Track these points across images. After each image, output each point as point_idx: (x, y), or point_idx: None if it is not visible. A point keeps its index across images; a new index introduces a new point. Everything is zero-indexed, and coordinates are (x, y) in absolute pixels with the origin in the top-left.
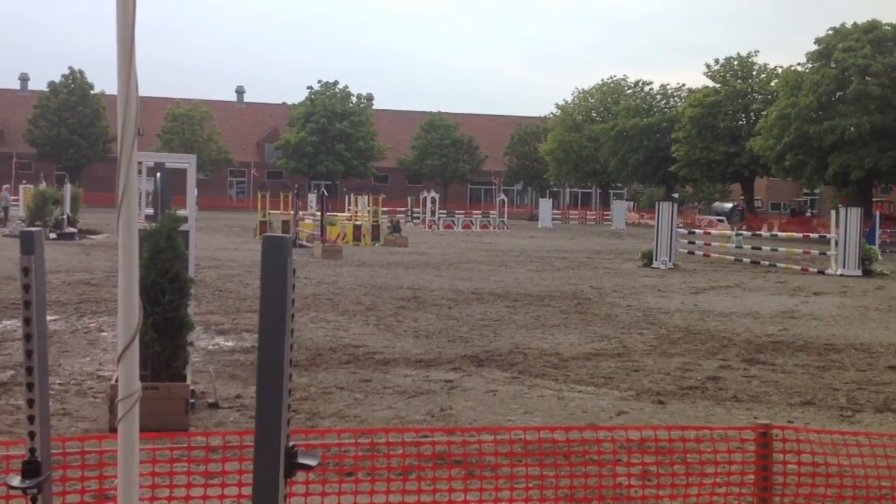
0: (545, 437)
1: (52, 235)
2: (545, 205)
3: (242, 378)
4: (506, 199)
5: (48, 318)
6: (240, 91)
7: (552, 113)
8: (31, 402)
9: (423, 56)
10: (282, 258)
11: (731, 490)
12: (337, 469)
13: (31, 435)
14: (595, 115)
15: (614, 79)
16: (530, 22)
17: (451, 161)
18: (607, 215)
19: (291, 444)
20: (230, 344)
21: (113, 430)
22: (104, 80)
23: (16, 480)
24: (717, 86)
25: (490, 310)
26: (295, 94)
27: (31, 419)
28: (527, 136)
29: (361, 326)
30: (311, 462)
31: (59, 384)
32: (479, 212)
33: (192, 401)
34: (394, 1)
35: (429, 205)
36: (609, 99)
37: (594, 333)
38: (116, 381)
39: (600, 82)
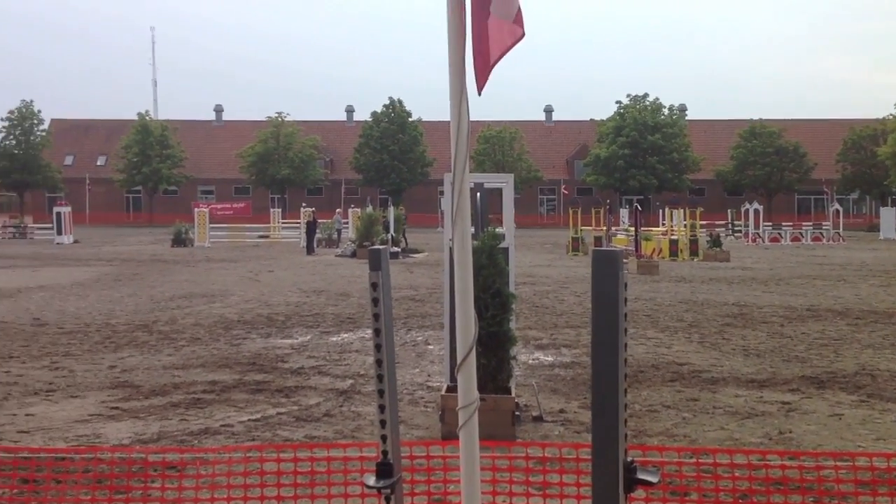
0: None
1: None
2: (887, 214)
3: (564, 392)
4: (840, 209)
5: (367, 332)
6: (548, 110)
7: (892, 114)
8: (382, 408)
9: (736, 64)
10: (613, 272)
11: None
12: (666, 488)
13: (384, 438)
14: None
15: None
16: (866, 20)
17: (776, 170)
18: None
19: (630, 459)
20: (549, 359)
21: (445, 437)
22: (421, 108)
23: (371, 480)
24: None
25: (829, 328)
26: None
27: (382, 423)
28: (862, 141)
29: (684, 343)
30: (652, 479)
31: None
32: (810, 223)
33: (517, 413)
34: (697, 11)
35: (751, 217)
36: None
37: None
38: (447, 391)
39: None
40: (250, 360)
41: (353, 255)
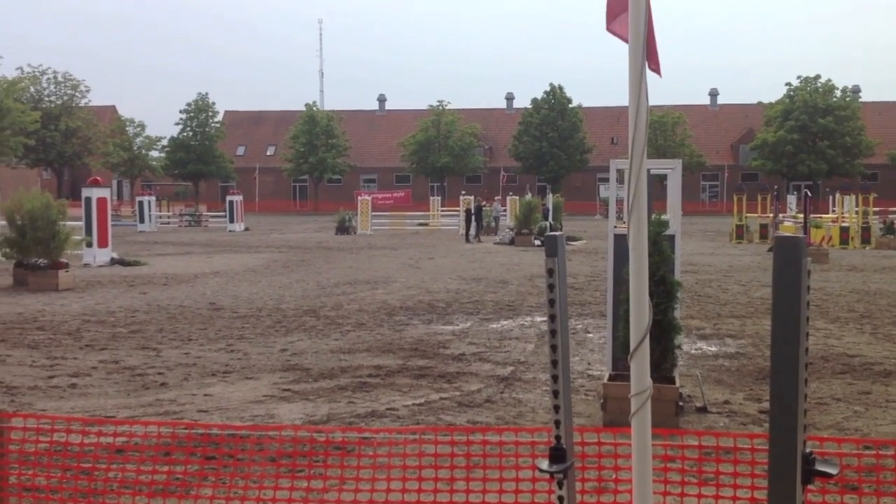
0: None
1: (537, 242)
2: None
3: (729, 384)
4: None
5: (539, 318)
6: (713, 93)
7: None
8: (556, 393)
9: None
10: (796, 259)
11: None
12: (841, 480)
13: (557, 423)
14: None
15: None
16: None
17: None
18: None
19: (808, 450)
20: (713, 349)
21: (606, 425)
22: (581, 94)
23: (544, 465)
24: None
25: None
26: (771, 93)
27: (556, 409)
28: None
29: (855, 335)
30: (831, 470)
31: None
32: None
33: (680, 403)
34: None
35: None
36: None
37: None
38: (609, 379)
39: None
40: (413, 346)
41: (512, 242)
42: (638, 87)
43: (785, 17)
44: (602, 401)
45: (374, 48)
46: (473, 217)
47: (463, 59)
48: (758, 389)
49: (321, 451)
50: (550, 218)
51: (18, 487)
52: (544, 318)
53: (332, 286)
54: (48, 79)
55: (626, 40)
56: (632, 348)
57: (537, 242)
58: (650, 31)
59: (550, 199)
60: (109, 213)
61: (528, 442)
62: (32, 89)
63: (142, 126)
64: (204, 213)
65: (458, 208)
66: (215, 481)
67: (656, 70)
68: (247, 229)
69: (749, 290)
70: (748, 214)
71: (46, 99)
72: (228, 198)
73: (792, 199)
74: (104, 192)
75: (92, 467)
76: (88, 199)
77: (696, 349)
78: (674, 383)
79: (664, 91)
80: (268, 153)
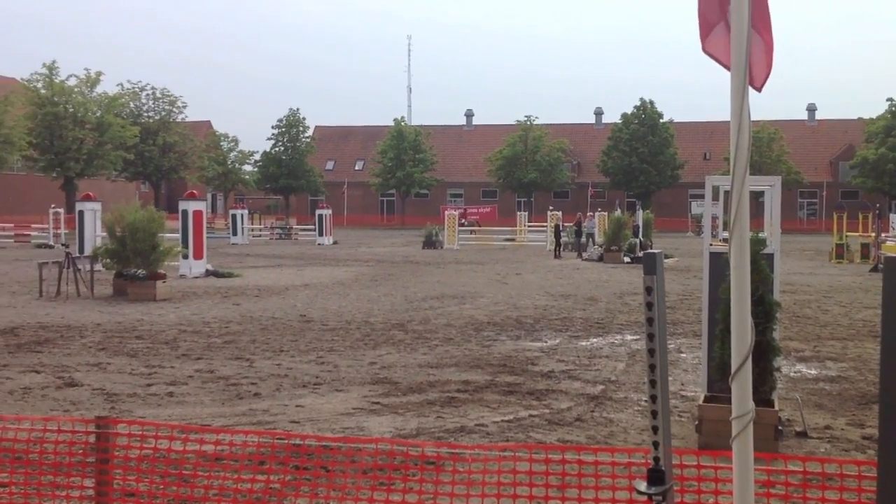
0: None
1: (626, 260)
2: None
3: (830, 408)
4: None
5: (630, 337)
6: (811, 108)
7: None
8: (654, 414)
9: None
10: None
11: None
12: None
13: (655, 444)
14: None
15: None
16: None
17: None
18: None
19: None
20: (813, 372)
21: (701, 448)
22: (673, 109)
23: (642, 486)
24: None
25: None
26: (872, 108)
27: (654, 429)
28: None
29: None
30: None
31: (644, 402)
32: None
33: (779, 427)
34: None
35: None
36: None
37: None
38: (704, 400)
39: None
40: (501, 362)
41: (600, 259)
42: (740, 102)
43: (886, 32)
44: (697, 422)
45: (461, 64)
46: (576, 233)
47: (551, 74)
48: (860, 415)
49: (412, 465)
50: (640, 234)
51: (121, 492)
52: (635, 337)
53: (420, 300)
54: (147, 95)
55: (723, 64)
56: (733, 369)
57: (627, 259)
58: (769, 38)
59: (640, 216)
60: (205, 225)
61: (625, 462)
62: (132, 105)
63: (235, 141)
64: (294, 227)
65: (545, 224)
66: (309, 491)
67: (756, 87)
68: (335, 243)
69: (850, 312)
70: (848, 233)
71: (145, 114)
72: (318, 211)
73: (895, 218)
74: (200, 206)
75: (192, 474)
76: (185, 212)
77: (795, 372)
78: (773, 406)
79: (760, 106)
80: (356, 168)
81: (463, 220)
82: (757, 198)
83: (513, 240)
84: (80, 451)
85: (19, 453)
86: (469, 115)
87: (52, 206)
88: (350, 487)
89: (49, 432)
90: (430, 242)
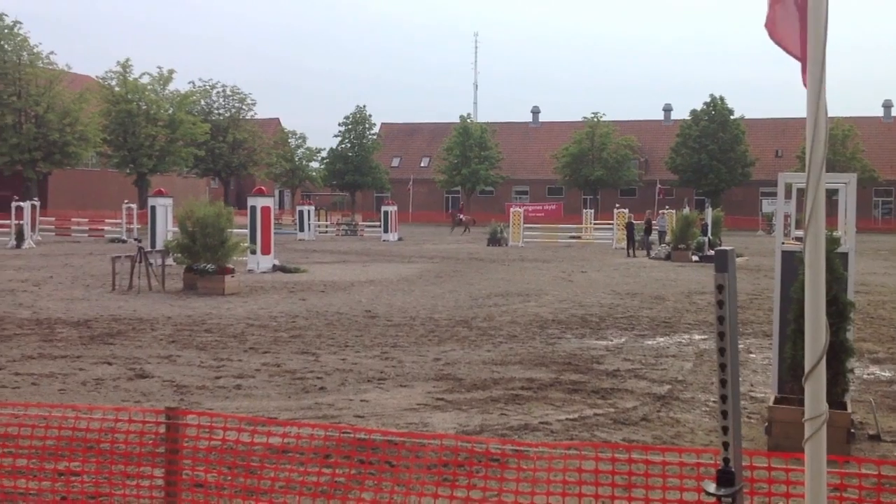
0: None
1: (695, 258)
2: None
3: None
4: None
5: (697, 336)
6: (887, 105)
7: None
8: (724, 414)
9: None
10: None
11: None
12: None
13: (725, 445)
14: None
15: None
16: None
17: None
18: None
19: None
20: (887, 374)
21: (771, 449)
22: (744, 106)
23: (711, 487)
24: None
25: None
26: None
27: (724, 430)
28: None
29: None
30: None
31: (712, 402)
32: None
33: (852, 430)
34: None
35: None
36: None
37: None
38: (774, 402)
39: None
40: (566, 360)
41: (668, 257)
42: (816, 98)
43: None
44: (767, 424)
45: (528, 60)
46: (645, 231)
47: (618, 70)
48: None
49: (476, 461)
50: (709, 233)
51: (189, 483)
52: (703, 337)
53: (484, 297)
54: (217, 93)
55: (790, 52)
56: (806, 370)
57: (695, 258)
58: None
59: (709, 214)
60: (272, 221)
61: (693, 463)
62: (203, 102)
63: (303, 138)
64: (360, 223)
65: (611, 221)
66: (374, 486)
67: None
68: (400, 239)
69: None
70: None
71: (215, 112)
72: (383, 208)
73: None
74: (268, 202)
75: (259, 466)
76: (253, 208)
77: (868, 374)
78: (845, 409)
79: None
80: (422, 164)
81: (460, 217)
82: (831, 196)
83: (578, 237)
84: (151, 441)
85: (91, 442)
86: (535, 111)
87: (126, 201)
88: (414, 483)
89: (120, 422)
90: (495, 239)
